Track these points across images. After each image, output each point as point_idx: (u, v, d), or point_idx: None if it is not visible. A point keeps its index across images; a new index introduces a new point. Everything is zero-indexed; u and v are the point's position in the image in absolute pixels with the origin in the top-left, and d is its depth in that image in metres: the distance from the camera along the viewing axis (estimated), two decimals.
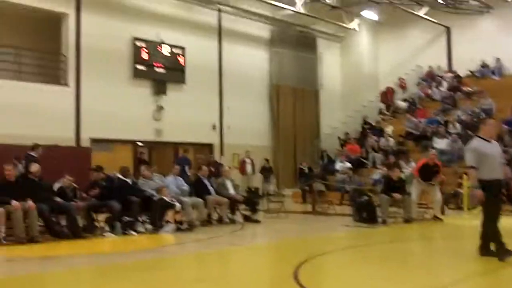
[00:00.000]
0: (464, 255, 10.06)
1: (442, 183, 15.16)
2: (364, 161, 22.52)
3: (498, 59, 25.97)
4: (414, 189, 14.38)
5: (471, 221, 13.88)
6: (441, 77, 27.10)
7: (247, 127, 24.15)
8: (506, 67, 25.96)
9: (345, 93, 29.06)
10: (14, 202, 10.26)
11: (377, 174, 19.57)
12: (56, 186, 11.88)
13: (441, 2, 21.40)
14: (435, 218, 14.24)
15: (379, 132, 24.18)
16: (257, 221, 14.21)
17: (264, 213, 15.95)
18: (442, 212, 14.97)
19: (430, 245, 11.15)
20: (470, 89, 25.25)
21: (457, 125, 21.94)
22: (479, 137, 8.53)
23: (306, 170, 22.44)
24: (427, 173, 14.36)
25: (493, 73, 26.10)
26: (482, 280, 7.57)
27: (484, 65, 26.33)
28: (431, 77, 27.56)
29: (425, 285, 7.01)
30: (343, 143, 24.74)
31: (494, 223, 8.14)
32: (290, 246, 10.78)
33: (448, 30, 27.66)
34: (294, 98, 26.37)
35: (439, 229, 13.13)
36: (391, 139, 23.01)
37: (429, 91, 26.46)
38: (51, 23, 19.48)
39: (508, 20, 25.57)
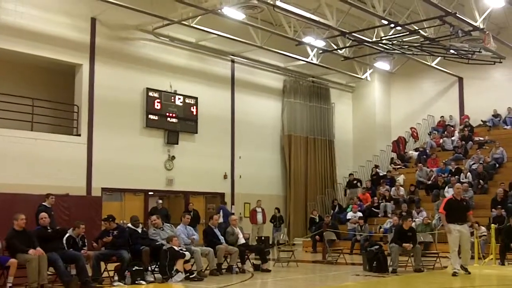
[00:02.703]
0: None
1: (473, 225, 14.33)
2: (375, 210, 22.44)
3: (510, 109, 26.05)
4: (450, 237, 13.11)
5: (481, 271, 13.68)
6: (453, 126, 27.14)
7: (259, 176, 24.25)
8: None
9: (357, 143, 29.17)
10: (32, 251, 10.35)
11: (388, 223, 19.50)
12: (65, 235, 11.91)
13: (454, 52, 21.64)
14: (465, 270, 13.09)
15: (391, 182, 24.15)
16: (267, 271, 14.12)
17: (274, 262, 15.85)
18: None
19: None
20: (481, 138, 25.25)
21: (469, 174, 21.88)
22: None
23: (317, 219, 22.37)
24: (455, 210, 13.18)
25: (504, 122, 26.14)
26: None
27: (496, 115, 26.39)
28: (443, 127, 27.60)
29: None
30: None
31: None
32: None
33: (460, 80, 27.87)
34: (306, 148, 26.48)
35: (449, 279, 12.94)
36: (402, 188, 22.95)
37: (441, 141, 26.47)
38: (65, 74, 19.87)
39: None
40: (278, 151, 25.85)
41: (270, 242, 21.29)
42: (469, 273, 13.15)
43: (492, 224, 16.35)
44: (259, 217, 22.62)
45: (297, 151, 26.00)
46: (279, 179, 25.66)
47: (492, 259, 15.32)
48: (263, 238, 20.35)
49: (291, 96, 26.25)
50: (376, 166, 26.26)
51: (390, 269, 13.81)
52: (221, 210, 19.96)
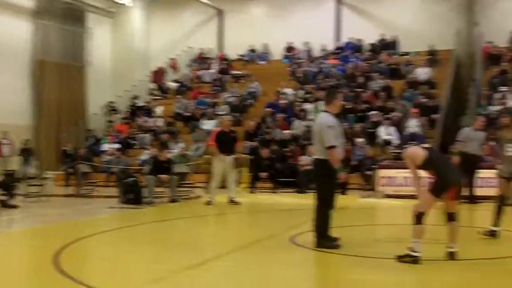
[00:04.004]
0: (226, 232, 10.22)
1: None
2: (133, 141, 22.00)
3: (265, 45, 27.11)
4: (216, 168, 13.34)
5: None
6: (211, 59, 27.53)
7: (5, 105, 21.98)
8: (272, 53, 27.22)
9: (116, 72, 28.11)
10: None
11: (145, 155, 19.22)
12: None
13: None
14: (232, 202, 13.28)
15: (149, 113, 23.81)
16: (14, 207, 13.04)
17: (23, 197, 14.67)
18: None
19: (194, 224, 11.06)
20: (238, 72, 26.00)
21: (225, 106, 22.43)
22: (328, 112, 7.65)
23: (71, 151, 21.21)
24: (225, 142, 13.26)
25: (260, 58, 27.20)
26: (243, 254, 7.62)
27: (252, 50, 27.30)
28: (202, 59, 27.85)
29: (190, 262, 6.86)
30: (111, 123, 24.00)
31: (331, 208, 7.63)
32: (51, 231, 9.97)
33: (220, 13, 28.12)
34: (59, 75, 24.73)
35: (204, 208, 13.15)
36: (160, 119, 22.77)
37: (200, 73, 26.71)
38: None
39: (276, 6, 26.79)
40: (27, 78, 23.76)
41: (18, 176, 19.68)
42: (239, 203, 13.32)
43: (244, 155, 16.99)
44: (5, 149, 20.85)
45: (49, 78, 24.15)
46: (28, 108, 23.69)
47: (244, 188, 16.02)
48: (9, 172, 18.72)
49: (44, 17, 24.12)
50: (135, 97, 25.66)
51: (146, 200, 13.66)
52: None
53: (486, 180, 12.96)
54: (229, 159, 13.33)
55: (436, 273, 6.33)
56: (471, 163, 12.68)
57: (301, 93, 22.51)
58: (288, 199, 14.71)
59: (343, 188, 14.03)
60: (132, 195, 13.74)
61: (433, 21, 24.32)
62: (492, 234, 8.34)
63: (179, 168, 15.64)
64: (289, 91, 22.69)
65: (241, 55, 27.43)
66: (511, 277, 6.21)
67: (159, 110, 23.93)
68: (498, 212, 8.39)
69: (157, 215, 12.47)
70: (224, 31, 28.29)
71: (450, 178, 6.64)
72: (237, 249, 7.91)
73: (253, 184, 16.12)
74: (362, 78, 22.29)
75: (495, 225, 8.39)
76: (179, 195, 14.43)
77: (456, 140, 13.11)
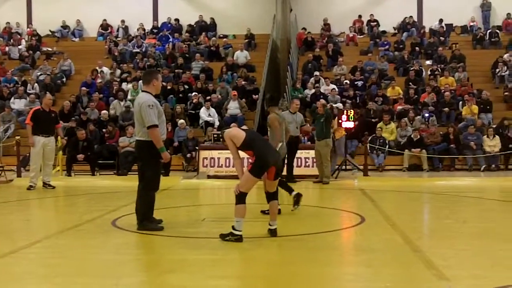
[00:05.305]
0: (41, 217, 9.63)
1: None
2: None
3: (78, 21, 25.97)
4: (34, 149, 12.32)
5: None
6: (20, 34, 25.75)
7: None
8: (87, 30, 26.16)
9: None
10: None
11: None
12: None
13: None
14: (46, 185, 12.51)
15: None
16: None
17: None
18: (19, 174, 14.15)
19: (5, 209, 10.17)
20: (50, 49, 24.65)
21: (36, 85, 21.10)
22: (149, 92, 7.53)
23: None
24: (43, 122, 12.35)
25: (73, 34, 26.05)
26: (60, 240, 7.16)
27: (64, 26, 26.05)
28: (8, 34, 25.93)
29: (1, 250, 6.32)
30: None
31: (155, 190, 7.55)
32: None
33: None
34: None
35: (16, 192, 12.33)
36: None
37: (7, 49, 24.84)
38: None
39: None
40: None
41: None
42: (54, 187, 12.60)
43: (60, 137, 16.08)
44: None
45: None
46: None
47: (58, 170, 15.22)
48: None
49: None
50: None
51: None
52: None
53: (303, 160, 13.65)
54: (47, 140, 12.50)
55: (259, 249, 6.48)
56: (290, 144, 13.18)
57: (118, 72, 21.86)
58: (107, 181, 14.25)
59: (166, 169, 13.92)
60: None
61: (250, 5, 25.00)
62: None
63: None
64: (106, 70, 21.93)
65: (52, 31, 26.01)
66: (327, 250, 6.51)
67: None
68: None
69: None
70: (32, 5, 26.54)
71: (269, 158, 6.77)
72: (54, 235, 7.45)
73: (69, 167, 15.32)
74: (181, 59, 22.19)
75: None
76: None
77: None
